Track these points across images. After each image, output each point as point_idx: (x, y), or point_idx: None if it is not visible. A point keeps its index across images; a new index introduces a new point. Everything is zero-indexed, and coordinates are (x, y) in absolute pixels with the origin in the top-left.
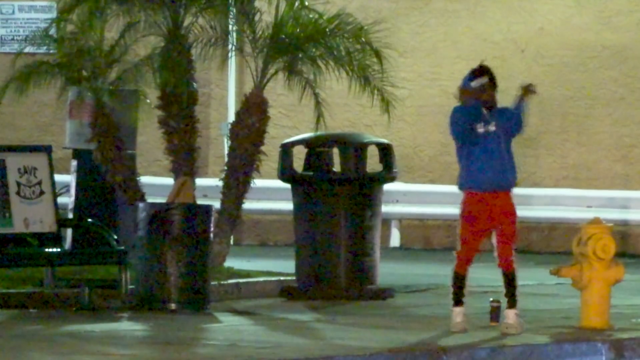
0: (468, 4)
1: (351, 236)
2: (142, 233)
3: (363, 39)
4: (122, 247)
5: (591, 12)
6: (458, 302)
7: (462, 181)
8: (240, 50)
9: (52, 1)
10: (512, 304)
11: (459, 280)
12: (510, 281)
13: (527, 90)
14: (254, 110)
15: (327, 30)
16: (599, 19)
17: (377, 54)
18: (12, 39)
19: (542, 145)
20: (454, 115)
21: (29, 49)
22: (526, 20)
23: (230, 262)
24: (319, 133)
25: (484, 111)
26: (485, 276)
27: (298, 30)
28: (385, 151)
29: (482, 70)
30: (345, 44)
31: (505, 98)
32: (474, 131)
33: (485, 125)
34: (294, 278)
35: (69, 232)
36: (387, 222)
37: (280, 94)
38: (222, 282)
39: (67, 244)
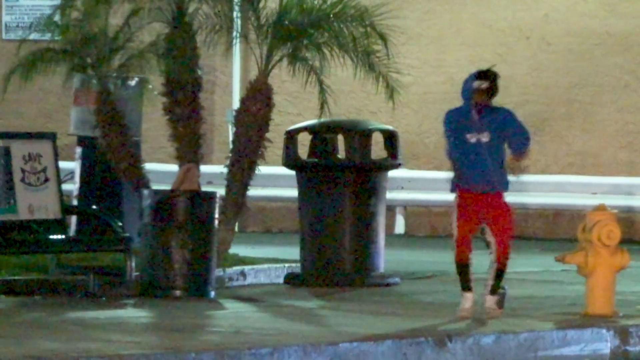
0: None
1: (356, 223)
2: (147, 220)
3: (367, 22)
4: (127, 234)
5: None
6: (465, 288)
7: (452, 182)
8: (244, 37)
9: None
10: (494, 290)
11: (462, 268)
12: (500, 275)
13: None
14: (258, 97)
15: (331, 14)
16: (604, 5)
17: (382, 37)
18: (17, 26)
19: (547, 132)
20: (445, 117)
21: (33, 36)
22: (531, 8)
23: (235, 249)
24: (323, 120)
25: (474, 116)
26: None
27: (302, 16)
28: (390, 138)
29: (487, 75)
30: (349, 28)
31: (510, 84)
32: (465, 142)
33: (477, 135)
34: (298, 265)
35: (73, 219)
36: (392, 209)
37: (285, 81)
38: (226, 269)
39: (72, 231)
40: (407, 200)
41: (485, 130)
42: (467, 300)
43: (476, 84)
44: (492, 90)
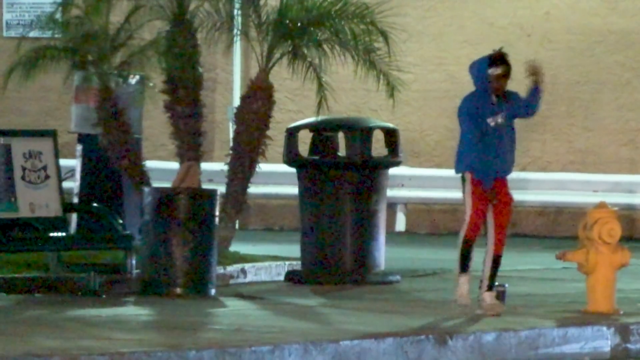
0: None
1: (357, 220)
2: (148, 218)
3: (368, 20)
4: (128, 232)
5: None
6: (465, 269)
7: (462, 165)
8: (245, 34)
9: None
10: (492, 286)
11: (469, 247)
12: (496, 265)
13: (534, 70)
14: (259, 95)
15: (332, 12)
16: (605, 3)
17: (383, 34)
18: (18, 24)
19: (549, 129)
20: (464, 105)
21: (34, 34)
22: (532, 5)
23: (236, 247)
24: (324, 117)
25: (494, 99)
26: None
27: (303, 14)
28: (391, 135)
29: (501, 59)
30: (350, 26)
31: (511, 83)
32: (485, 124)
33: (495, 117)
34: (299, 262)
35: (74, 217)
36: (392, 206)
37: (285, 78)
38: (227, 267)
39: (73, 228)
40: (408, 198)
41: (502, 111)
42: (464, 285)
43: (492, 70)
44: (508, 73)
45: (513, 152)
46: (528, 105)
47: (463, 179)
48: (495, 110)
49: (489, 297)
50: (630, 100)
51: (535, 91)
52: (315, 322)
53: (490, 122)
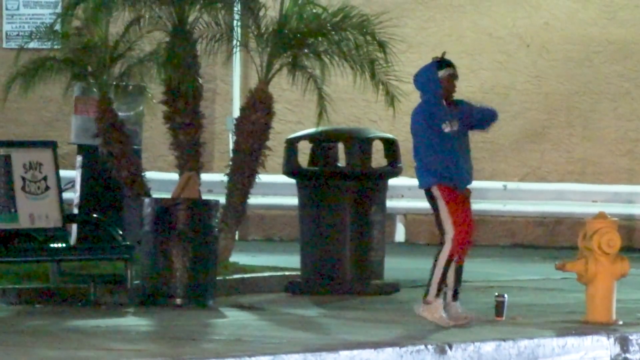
0: None
1: (356, 231)
2: (148, 228)
3: (367, 31)
4: (128, 243)
5: (596, 7)
6: (440, 290)
7: (428, 178)
8: (245, 45)
9: None
10: (457, 294)
11: (449, 265)
12: (460, 273)
13: None
14: (259, 106)
15: (329, 25)
16: (604, 13)
17: (382, 45)
18: (17, 35)
19: (548, 139)
20: (418, 116)
21: (34, 45)
22: (531, 15)
23: (236, 257)
24: (324, 128)
25: (446, 106)
26: (489, 270)
27: (302, 25)
28: (391, 146)
29: (448, 61)
30: (349, 37)
31: (511, 93)
32: (441, 132)
33: (449, 123)
34: (299, 273)
35: (74, 228)
36: (392, 216)
37: (285, 89)
38: (227, 277)
39: (73, 239)
40: (407, 208)
41: (455, 118)
42: (441, 306)
43: (443, 72)
44: (457, 75)
45: (470, 160)
46: (483, 120)
47: (428, 194)
48: (448, 117)
49: (459, 307)
50: (629, 110)
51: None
52: (315, 333)
53: (445, 128)
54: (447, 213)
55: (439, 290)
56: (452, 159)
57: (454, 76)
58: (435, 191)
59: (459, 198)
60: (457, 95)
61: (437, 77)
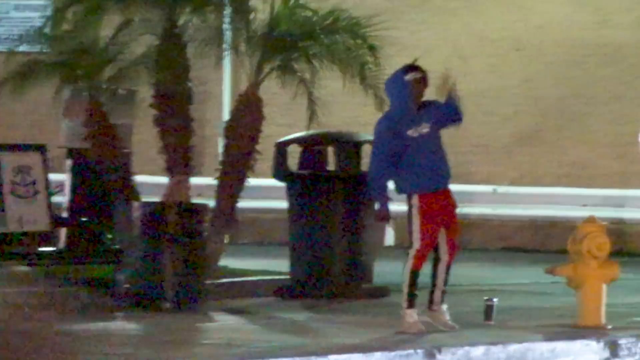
0: (466, 2)
1: (346, 235)
2: (137, 232)
3: (358, 34)
4: (117, 246)
5: (589, 10)
6: (413, 301)
7: (406, 185)
8: (235, 49)
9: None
10: (443, 296)
11: (417, 278)
12: (448, 275)
13: (444, 80)
14: (249, 109)
15: (319, 28)
16: (597, 17)
17: (372, 48)
18: (7, 38)
19: (540, 143)
20: (383, 124)
21: (23, 48)
22: (524, 18)
23: (226, 261)
24: (314, 131)
25: (414, 110)
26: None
27: (293, 28)
28: None
29: (415, 67)
30: (340, 40)
31: (503, 96)
32: (404, 138)
33: (418, 128)
34: (289, 277)
35: (63, 232)
36: None
37: (275, 93)
38: (217, 281)
39: (62, 243)
40: (397, 212)
41: (423, 122)
42: (414, 314)
43: (410, 76)
44: (426, 79)
45: (446, 161)
46: (453, 112)
47: (408, 199)
48: (417, 121)
49: (445, 312)
50: (622, 114)
51: (450, 99)
52: (305, 336)
53: (412, 133)
54: (418, 227)
55: (411, 304)
56: (419, 167)
57: (420, 80)
58: (415, 200)
59: (435, 211)
60: None
61: (403, 81)
